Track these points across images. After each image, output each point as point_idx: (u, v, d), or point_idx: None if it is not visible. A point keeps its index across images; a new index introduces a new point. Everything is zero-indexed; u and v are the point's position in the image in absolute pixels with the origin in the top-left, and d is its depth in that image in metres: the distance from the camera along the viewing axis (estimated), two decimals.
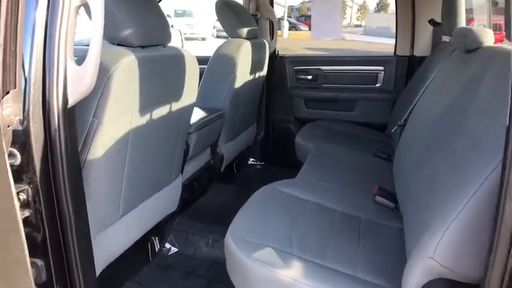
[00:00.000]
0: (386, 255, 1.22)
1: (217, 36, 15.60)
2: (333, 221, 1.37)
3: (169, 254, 1.86)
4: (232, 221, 1.29)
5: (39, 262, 0.93)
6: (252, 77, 2.40)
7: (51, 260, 0.94)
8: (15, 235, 0.80)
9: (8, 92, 0.83)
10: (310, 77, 2.81)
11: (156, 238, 1.78)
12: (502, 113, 0.97)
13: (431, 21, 2.45)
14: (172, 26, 1.67)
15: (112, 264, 1.39)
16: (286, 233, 1.24)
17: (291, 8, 32.69)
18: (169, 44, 1.48)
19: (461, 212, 0.87)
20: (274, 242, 1.18)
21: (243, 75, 2.27)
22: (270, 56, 2.66)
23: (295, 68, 2.85)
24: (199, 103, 1.96)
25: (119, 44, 1.28)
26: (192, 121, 1.79)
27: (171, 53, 1.47)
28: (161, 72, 1.41)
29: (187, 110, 1.64)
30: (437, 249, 0.89)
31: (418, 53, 2.62)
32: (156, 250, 1.80)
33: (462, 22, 1.97)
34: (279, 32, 3.32)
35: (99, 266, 1.30)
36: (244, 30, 2.31)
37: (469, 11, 2.30)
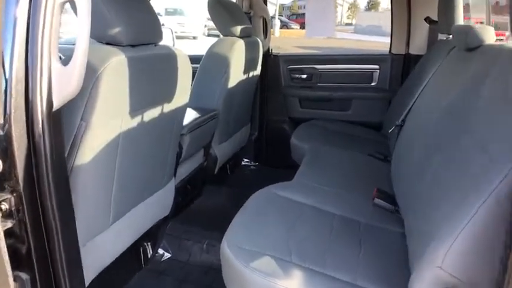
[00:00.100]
0: (388, 262, 1.19)
1: (209, 35, 15.53)
2: (332, 226, 1.33)
3: (162, 260, 1.82)
4: (227, 225, 1.26)
5: (24, 276, 0.88)
6: (245, 76, 2.36)
7: (36, 273, 0.89)
8: None
9: None
10: (304, 76, 2.78)
11: (149, 244, 1.72)
12: (510, 113, 0.94)
13: (428, 19, 2.42)
14: (163, 25, 1.62)
15: (103, 272, 1.34)
16: (284, 239, 1.21)
17: (282, 7, 32.77)
18: (161, 43, 1.42)
19: (472, 219, 0.83)
20: (272, 250, 1.15)
21: (236, 74, 2.22)
22: (263, 54, 2.61)
23: (289, 66, 2.81)
24: (192, 103, 1.91)
25: (107, 43, 1.22)
26: (185, 122, 1.74)
27: (163, 52, 1.42)
28: (152, 72, 1.36)
29: (180, 111, 1.59)
30: (446, 258, 0.86)
31: (413, 51, 2.59)
32: (149, 256, 1.74)
33: (460, 20, 1.95)
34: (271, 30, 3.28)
35: (90, 274, 1.25)
36: (238, 29, 2.26)
37: (464, 8, 2.28)
